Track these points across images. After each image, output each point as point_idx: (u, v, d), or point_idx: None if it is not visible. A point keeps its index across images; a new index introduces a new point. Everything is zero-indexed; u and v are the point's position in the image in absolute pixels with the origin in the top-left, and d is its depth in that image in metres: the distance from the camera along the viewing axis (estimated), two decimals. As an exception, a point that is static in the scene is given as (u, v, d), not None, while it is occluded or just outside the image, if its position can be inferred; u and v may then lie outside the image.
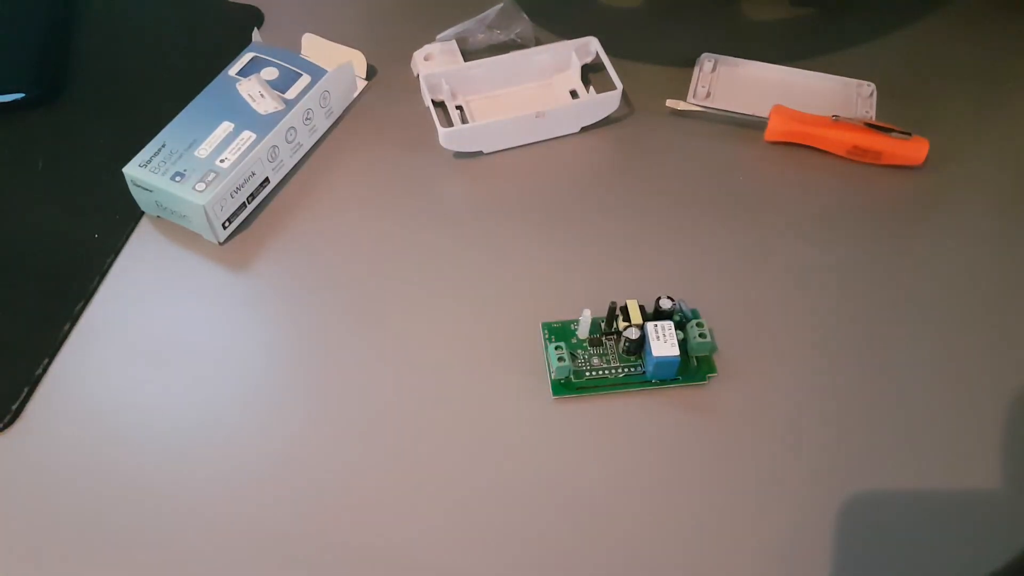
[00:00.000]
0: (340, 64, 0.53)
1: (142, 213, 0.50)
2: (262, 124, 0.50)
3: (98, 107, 0.56)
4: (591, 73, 0.56)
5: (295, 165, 0.52)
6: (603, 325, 0.44)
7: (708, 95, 0.55)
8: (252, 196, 0.50)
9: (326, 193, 0.51)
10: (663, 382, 0.43)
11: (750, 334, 0.45)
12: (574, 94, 0.55)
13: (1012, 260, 0.47)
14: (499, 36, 0.58)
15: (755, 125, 0.53)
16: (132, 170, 0.48)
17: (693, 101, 0.54)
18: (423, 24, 0.59)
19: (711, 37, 0.59)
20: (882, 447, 0.41)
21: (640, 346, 0.43)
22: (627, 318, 0.43)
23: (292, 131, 0.51)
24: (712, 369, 0.43)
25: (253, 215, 0.50)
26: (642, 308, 0.43)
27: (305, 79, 0.52)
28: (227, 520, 0.39)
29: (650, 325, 0.42)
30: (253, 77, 0.52)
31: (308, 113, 0.52)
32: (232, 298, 0.47)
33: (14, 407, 0.43)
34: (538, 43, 0.58)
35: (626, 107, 0.55)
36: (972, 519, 0.39)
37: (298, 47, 0.56)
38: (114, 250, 0.49)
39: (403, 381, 0.43)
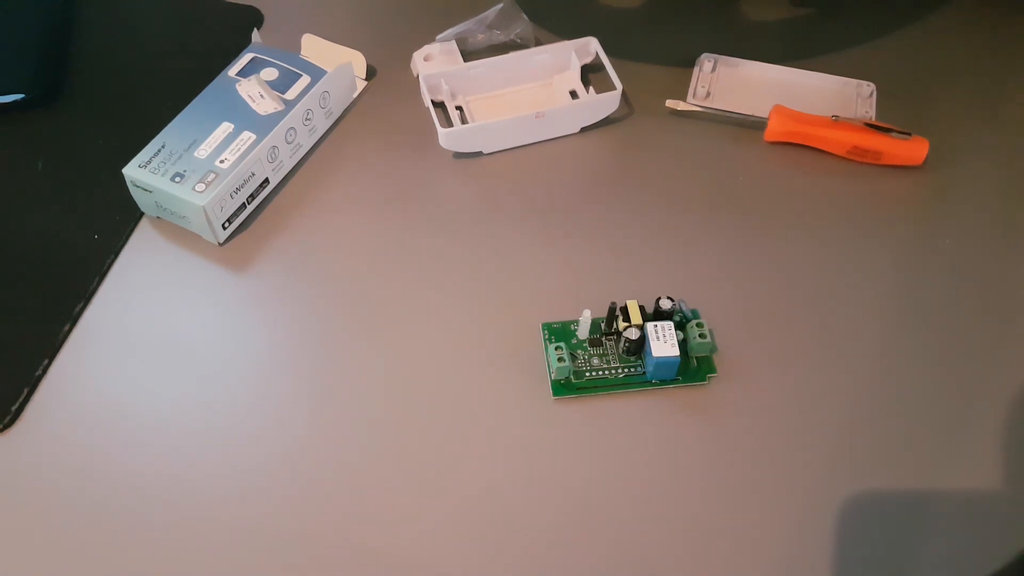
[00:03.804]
0: (340, 64, 0.53)
1: (142, 214, 0.50)
2: (262, 125, 0.50)
3: (98, 108, 0.56)
4: (591, 73, 0.56)
5: (295, 166, 0.52)
6: (603, 325, 0.44)
7: (708, 95, 0.55)
8: (252, 196, 0.50)
9: (326, 193, 0.51)
10: (663, 382, 0.43)
11: (750, 334, 0.45)
12: (574, 94, 0.55)
13: (1012, 260, 0.47)
14: (499, 36, 0.58)
15: (755, 125, 0.53)
16: (132, 171, 0.48)
17: (693, 101, 0.54)
18: (423, 24, 0.59)
19: (711, 37, 0.59)
20: (882, 447, 0.41)
21: (640, 346, 0.43)
22: (627, 318, 0.43)
23: (292, 132, 0.51)
24: (712, 369, 0.43)
25: (253, 215, 0.50)
26: (642, 308, 0.43)
27: (305, 80, 0.52)
28: (227, 520, 0.39)
29: (650, 325, 0.42)
30: (253, 78, 0.52)
31: (308, 114, 0.52)
32: (232, 298, 0.47)
33: (14, 408, 0.43)
34: (538, 43, 0.57)
35: (626, 107, 0.55)
36: (972, 519, 0.39)
37: (298, 47, 0.56)
38: (114, 250, 0.49)
39: (403, 382, 0.43)
